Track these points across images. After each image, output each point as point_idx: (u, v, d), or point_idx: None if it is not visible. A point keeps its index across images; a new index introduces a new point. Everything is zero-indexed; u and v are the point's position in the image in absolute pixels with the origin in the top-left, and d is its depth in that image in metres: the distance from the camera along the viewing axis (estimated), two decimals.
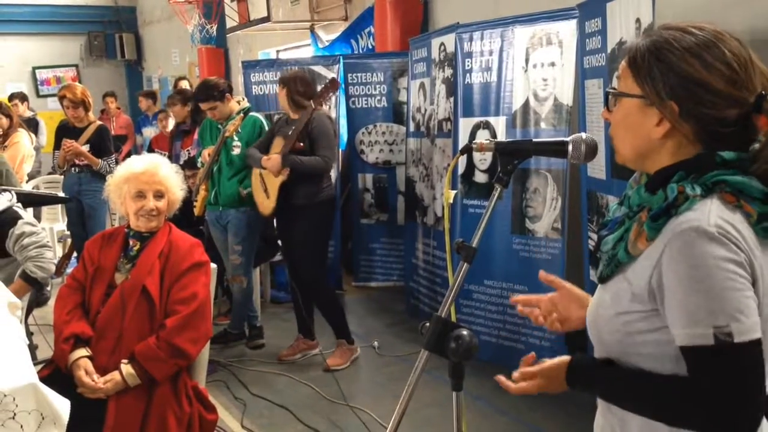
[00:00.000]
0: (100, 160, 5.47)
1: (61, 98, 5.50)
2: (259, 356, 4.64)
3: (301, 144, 4.16)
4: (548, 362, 1.38)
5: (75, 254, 6.15)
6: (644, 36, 1.29)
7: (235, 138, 4.52)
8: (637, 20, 3.32)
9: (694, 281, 1.13)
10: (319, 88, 4.42)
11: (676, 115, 1.22)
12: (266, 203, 4.33)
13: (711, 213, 1.15)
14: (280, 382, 4.23)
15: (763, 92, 1.21)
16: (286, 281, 5.80)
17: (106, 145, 5.58)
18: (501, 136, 4.31)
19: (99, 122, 5.72)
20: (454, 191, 4.35)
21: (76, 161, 5.46)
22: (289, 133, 4.19)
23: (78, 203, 5.61)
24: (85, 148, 5.46)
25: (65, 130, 5.59)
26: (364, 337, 4.86)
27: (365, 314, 5.39)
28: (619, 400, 1.31)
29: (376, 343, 4.76)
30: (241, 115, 4.55)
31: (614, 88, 1.32)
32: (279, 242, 5.28)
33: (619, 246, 1.28)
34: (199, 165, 4.84)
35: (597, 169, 3.70)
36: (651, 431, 1.26)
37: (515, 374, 1.42)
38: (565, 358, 1.38)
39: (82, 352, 2.58)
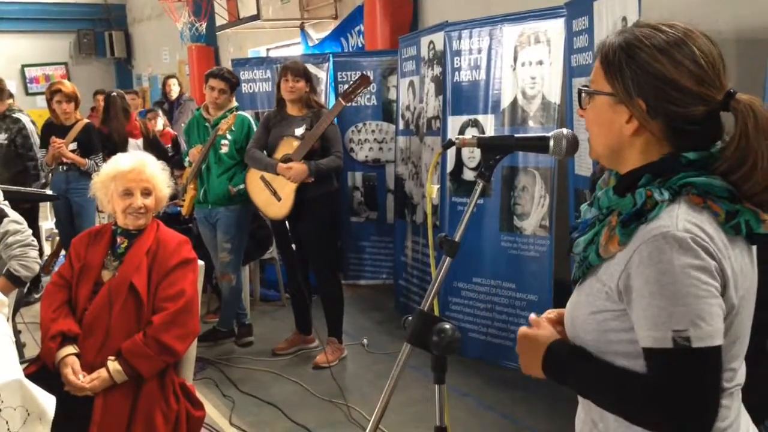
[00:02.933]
0: (86, 160, 5.44)
1: (54, 92, 5.48)
2: (248, 354, 4.64)
3: (317, 143, 4.14)
4: (537, 332, 1.38)
5: (63, 252, 6.13)
6: (617, 34, 1.30)
7: (227, 136, 4.51)
8: (624, 19, 3.34)
9: (659, 286, 1.15)
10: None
11: (644, 112, 1.24)
12: (277, 206, 4.25)
13: (679, 218, 1.17)
14: (269, 380, 4.24)
15: (731, 90, 1.23)
16: (276, 279, 5.81)
17: (93, 143, 5.55)
18: (490, 134, 4.33)
19: (86, 120, 5.70)
20: (437, 186, 4.36)
21: (63, 159, 5.44)
22: (297, 132, 4.17)
23: (66, 201, 5.59)
24: (73, 146, 5.44)
25: (52, 128, 5.57)
26: (353, 334, 4.87)
27: (355, 312, 5.39)
28: (584, 392, 1.33)
29: (365, 341, 4.77)
30: (234, 113, 4.55)
31: (587, 86, 1.33)
32: (272, 241, 5.30)
33: (590, 249, 1.29)
34: (186, 164, 4.83)
35: (584, 167, 3.73)
36: (628, 426, 1.28)
37: (533, 317, 1.43)
38: (547, 335, 1.37)
39: (70, 349, 2.58)
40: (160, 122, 7.48)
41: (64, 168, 5.50)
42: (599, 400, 1.30)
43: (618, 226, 1.23)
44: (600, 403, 1.30)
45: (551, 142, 1.48)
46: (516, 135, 1.52)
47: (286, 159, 4.16)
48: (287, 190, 4.19)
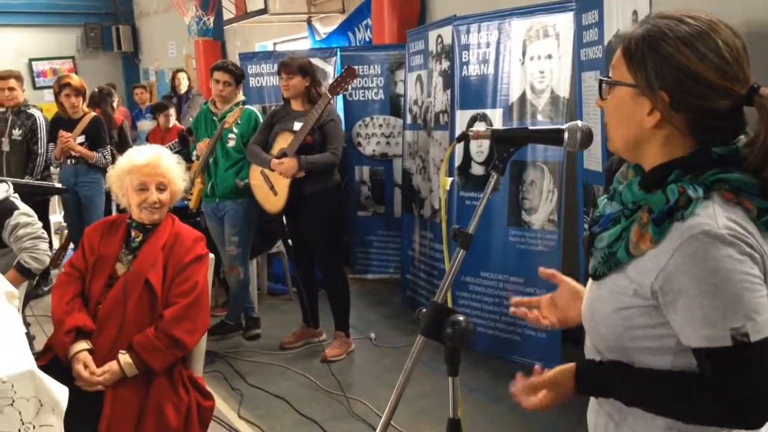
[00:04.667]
0: (94, 153, 5.47)
1: (63, 86, 5.50)
2: (256, 347, 4.66)
3: (310, 137, 4.15)
4: (551, 372, 1.38)
5: (72, 246, 6.15)
6: (639, 24, 1.28)
7: (233, 129, 4.52)
8: (634, 12, 3.33)
9: (709, 284, 1.14)
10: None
11: (667, 104, 1.22)
12: (274, 200, 4.29)
13: (717, 215, 1.16)
14: (277, 373, 4.25)
15: (755, 85, 1.22)
16: (283, 273, 5.83)
17: (101, 136, 5.58)
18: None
19: (93, 113, 5.72)
20: (451, 178, 4.36)
21: (72, 153, 5.46)
22: (296, 126, 4.17)
23: (74, 195, 5.61)
24: (81, 139, 5.46)
25: (60, 122, 5.59)
26: (360, 328, 4.88)
27: (362, 306, 5.40)
28: (636, 402, 1.30)
29: (372, 335, 4.77)
30: (241, 107, 4.55)
31: (608, 77, 1.32)
32: (277, 235, 5.31)
33: (618, 245, 1.27)
34: (194, 158, 4.84)
35: (593, 161, 3.72)
36: (647, 416, 1.27)
37: (518, 386, 1.43)
38: (568, 366, 1.37)
39: (83, 345, 2.58)
40: (171, 120, 7.52)
41: (73, 161, 5.52)
42: (652, 406, 1.28)
43: (650, 223, 1.21)
44: (653, 410, 1.28)
45: (566, 135, 1.48)
46: (530, 128, 1.52)
47: (282, 154, 4.17)
48: (282, 185, 4.21)
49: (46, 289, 5.89)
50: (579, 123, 1.49)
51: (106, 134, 5.64)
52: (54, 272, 6.04)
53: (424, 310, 1.45)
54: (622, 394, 1.31)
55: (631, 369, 1.28)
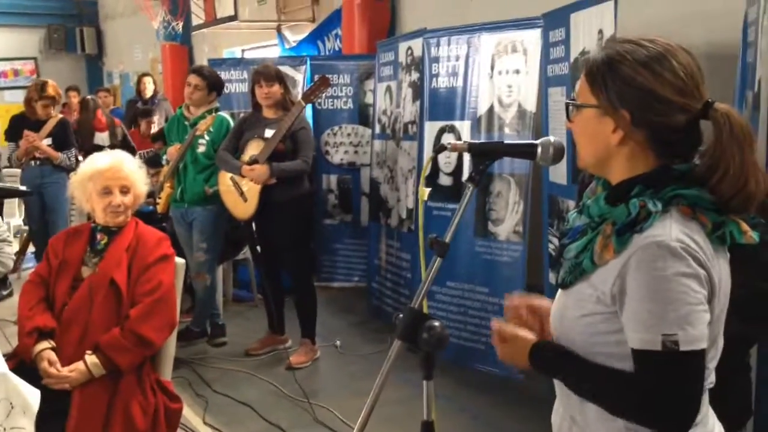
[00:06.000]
0: (60, 154, 5.43)
1: (46, 98, 5.46)
2: (221, 354, 4.64)
3: (282, 145, 4.16)
4: (518, 330, 1.46)
5: (33, 250, 6.07)
6: (600, 49, 1.37)
7: (205, 136, 4.51)
8: (600, 31, 3.43)
9: (651, 291, 1.22)
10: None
11: (629, 123, 1.30)
12: (243, 207, 4.30)
13: (672, 228, 1.24)
14: (242, 380, 4.24)
15: (710, 100, 1.30)
16: (249, 279, 5.82)
17: (68, 138, 5.54)
18: (465, 140, 4.39)
19: (60, 115, 5.68)
20: (428, 189, 4.42)
21: (36, 154, 5.40)
22: (267, 133, 4.19)
23: (39, 197, 5.54)
24: (47, 141, 5.41)
25: (24, 122, 5.52)
26: (326, 336, 4.89)
27: (327, 314, 5.41)
28: (571, 384, 1.39)
29: (338, 342, 4.80)
30: (213, 114, 4.55)
31: (573, 99, 1.40)
32: (244, 242, 5.30)
33: (584, 255, 1.34)
34: (163, 162, 4.82)
35: (558, 174, 3.81)
36: (608, 419, 1.34)
37: (495, 324, 1.49)
38: (532, 337, 1.45)
39: (45, 344, 2.58)
40: (154, 127, 7.42)
41: (38, 162, 5.46)
42: (586, 392, 1.36)
43: (613, 235, 1.29)
44: (586, 395, 1.36)
45: (539, 149, 1.54)
46: (506, 142, 1.58)
47: (253, 161, 4.18)
48: (252, 192, 4.22)
49: (4, 293, 5.79)
50: (551, 138, 1.55)
51: (72, 137, 5.61)
52: (12, 277, 5.95)
53: (401, 315, 1.49)
54: (564, 375, 1.40)
55: (578, 356, 1.35)
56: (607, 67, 1.32)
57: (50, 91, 5.51)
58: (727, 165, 1.25)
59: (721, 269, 1.29)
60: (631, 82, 1.29)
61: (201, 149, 4.54)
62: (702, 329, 1.23)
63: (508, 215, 4.24)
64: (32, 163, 5.48)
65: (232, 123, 4.65)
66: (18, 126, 5.56)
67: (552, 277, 3.81)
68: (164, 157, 4.77)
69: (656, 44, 1.31)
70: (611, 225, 1.31)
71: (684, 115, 1.29)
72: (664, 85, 1.28)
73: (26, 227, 6.74)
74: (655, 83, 1.28)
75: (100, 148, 7.09)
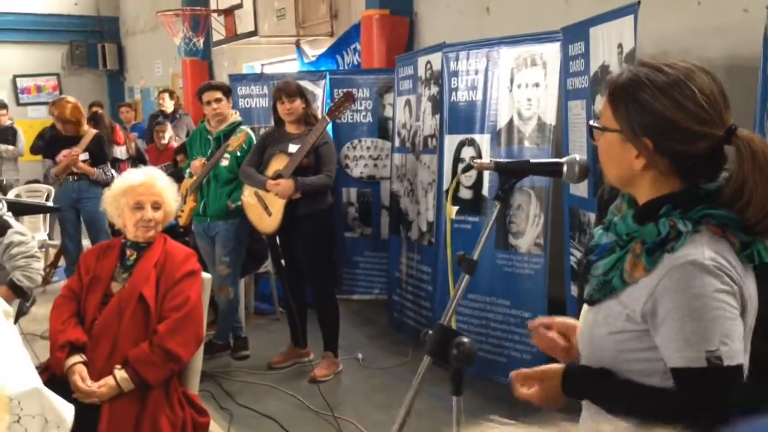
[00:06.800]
0: (95, 169, 5.52)
1: (59, 118, 5.56)
2: (244, 367, 4.68)
3: (306, 159, 4.21)
4: (542, 366, 1.46)
5: (62, 263, 6.16)
6: (621, 72, 1.38)
7: (236, 153, 4.57)
8: (620, 45, 3.45)
9: (691, 309, 1.24)
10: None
11: (651, 151, 1.31)
12: (268, 221, 4.34)
13: (704, 247, 1.26)
14: (266, 393, 4.27)
15: (733, 126, 1.30)
16: (270, 292, 5.86)
17: (103, 153, 5.64)
18: (486, 154, 4.43)
19: (95, 131, 5.76)
20: (456, 207, 4.44)
21: (74, 169, 5.48)
22: (291, 149, 4.24)
23: (74, 212, 5.63)
24: (84, 156, 5.49)
25: (60, 140, 5.61)
26: (347, 348, 4.91)
27: (348, 326, 5.44)
28: (605, 403, 1.39)
29: (360, 355, 4.82)
30: (244, 132, 4.61)
31: (597, 119, 1.42)
32: (265, 255, 5.35)
33: (613, 273, 1.35)
34: (186, 175, 4.88)
35: (579, 187, 3.82)
36: None
37: (514, 373, 1.48)
38: (558, 364, 1.46)
39: (77, 358, 2.63)
40: (167, 135, 7.58)
41: (75, 178, 5.54)
42: (620, 410, 1.35)
43: (643, 253, 1.30)
44: (620, 413, 1.37)
45: (564, 168, 1.56)
46: (531, 160, 1.61)
47: (278, 175, 4.23)
48: (277, 206, 4.26)
49: (27, 305, 5.88)
50: (577, 156, 1.57)
51: (107, 151, 5.72)
52: (37, 290, 6.03)
53: (430, 332, 1.52)
54: (600, 397, 1.40)
55: (613, 375, 1.36)
56: (628, 92, 1.32)
57: (52, 108, 5.59)
58: (751, 194, 1.26)
59: (750, 287, 1.31)
60: (651, 110, 1.29)
61: (224, 163, 4.60)
62: (740, 344, 1.25)
63: (529, 228, 4.25)
64: (69, 178, 5.56)
65: (253, 138, 4.71)
66: (54, 144, 5.66)
67: (575, 290, 3.82)
68: (187, 171, 4.83)
69: (677, 69, 1.30)
70: (641, 244, 1.32)
71: (706, 143, 1.29)
72: (685, 113, 1.28)
73: (52, 242, 6.85)
74: (677, 112, 1.28)
75: (118, 161, 7.28)
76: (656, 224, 1.31)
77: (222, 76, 8.98)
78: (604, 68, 3.55)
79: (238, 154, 4.56)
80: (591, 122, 1.42)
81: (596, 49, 3.65)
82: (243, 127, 4.71)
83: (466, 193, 4.58)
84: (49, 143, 5.75)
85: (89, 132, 5.63)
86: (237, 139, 4.53)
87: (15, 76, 12.78)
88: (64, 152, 5.45)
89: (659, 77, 1.30)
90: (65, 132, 5.57)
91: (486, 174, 4.43)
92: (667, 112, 1.28)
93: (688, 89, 1.28)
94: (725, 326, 1.23)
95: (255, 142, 4.64)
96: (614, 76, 1.39)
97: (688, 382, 1.26)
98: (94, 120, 6.94)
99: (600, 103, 1.43)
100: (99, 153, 5.59)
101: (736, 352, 1.24)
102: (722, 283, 1.23)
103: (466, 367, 1.48)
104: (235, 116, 4.75)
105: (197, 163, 4.68)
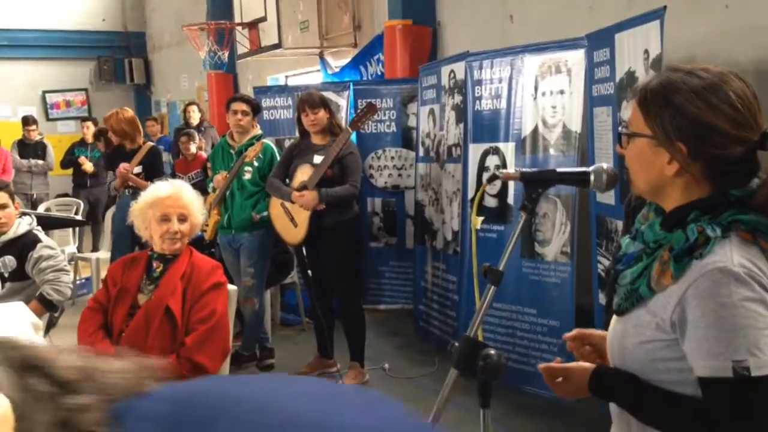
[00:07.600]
0: (148, 183, 5.57)
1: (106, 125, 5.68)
2: None
3: (330, 170, 4.22)
4: (570, 363, 1.45)
5: (87, 275, 6.23)
6: (653, 77, 1.35)
7: (254, 162, 4.60)
8: (646, 51, 3.41)
9: (717, 318, 1.21)
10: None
11: (685, 155, 1.28)
12: (294, 232, 4.35)
13: (734, 253, 1.23)
14: None
15: (767, 131, 1.28)
16: (296, 303, 5.87)
17: (158, 166, 5.69)
18: (510, 162, 4.40)
19: (150, 143, 5.84)
20: (481, 218, 4.42)
21: (130, 183, 5.55)
22: (316, 160, 4.25)
23: (130, 228, 5.70)
24: (138, 169, 5.55)
25: (120, 153, 5.70)
26: (373, 358, 4.90)
27: (374, 336, 5.42)
28: (636, 411, 1.37)
29: (386, 365, 4.80)
30: (261, 141, 4.64)
31: (626, 126, 1.38)
32: (290, 266, 5.37)
33: (640, 282, 1.33)
34: (210, 190, 4.91)
35: (606, 194, 3.77)
36: None
37: (542, 366, 1.48)
38: (587, 364, 1.44)
39: None
40: (193, 146, 7.55)
41: (130, 192, 5.59)
42: (650, 418, 1.35)
43: (671, 260, 1.28)
44: (650, 421, 1.35)
45: (592, 177, 1.54)
46: (557, 170, 1.59)
47: (302, 187, 4.24)
48: (302, 217, 4.27)
49: (56, 315, 5.96)
50: (604, 165, 1.55)
51: (162, 164, 5.76)
52: (68, 302, 6.10)
53: (457, 344, 1.50)
54: (626, 399, 1.37)
55: (640, 380, 1.34)
56: (661, 97, 1.30)
57: (123, 126, 5.65)
58: None
59: None
60: (686, 113, 1.26)
61: (247, 176, 4.63)
62: None
63: (555, 236, 4.21)
64: (126, 192, 5.61)
65: (275, 150, 4.74)
66: (115, 157, 5.75)
67: (602, 298, 3.77)
68: (210, 185, 4.86)
69: (710, 73, 1.29)
70: (668, 251, 1.30)
71: (741, 147, 1.27)
72: (720, 117, 1.25)
73: (81, 254, 6.93)
74: (712, 115, 1.25)
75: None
76: (684, 230, 1.28)
77: (247, 89, 9.06)
78: (631, 74, 3.52)
79: (256, 163, 4.59)
80: (620, 129, 1.39)
81: (622, 56, 3.61)
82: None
83: (491, 202, 4.56)
84: (111, 156, 5.83)
85: (145, 145, 5.69)
86: (254, 148, 4.56)
87: (44, 92, 13.00)
88: (122, 166, 5.51)
89: (694, 81, 1.28)
90: (116, 143, 5.67)
91: (511, 182, 4.41)
92: (703, 115, 1.26)
93: (723, 93, 1.26)
94: (754, 336, 1.19)
95: (272, 150, 4.68)
96: (645, 82, 1.37)
97: (714, 392, 1.23)
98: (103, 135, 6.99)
99: (627, 109, 1.40)
100: (153, 166, 5.62)
101: (766, 363, 1.20)
102: (752, 291, 1.20)
103: (493, 380, 1.46)
104: (256, 130, 4.78)
105: (219, 177, 4.72)
